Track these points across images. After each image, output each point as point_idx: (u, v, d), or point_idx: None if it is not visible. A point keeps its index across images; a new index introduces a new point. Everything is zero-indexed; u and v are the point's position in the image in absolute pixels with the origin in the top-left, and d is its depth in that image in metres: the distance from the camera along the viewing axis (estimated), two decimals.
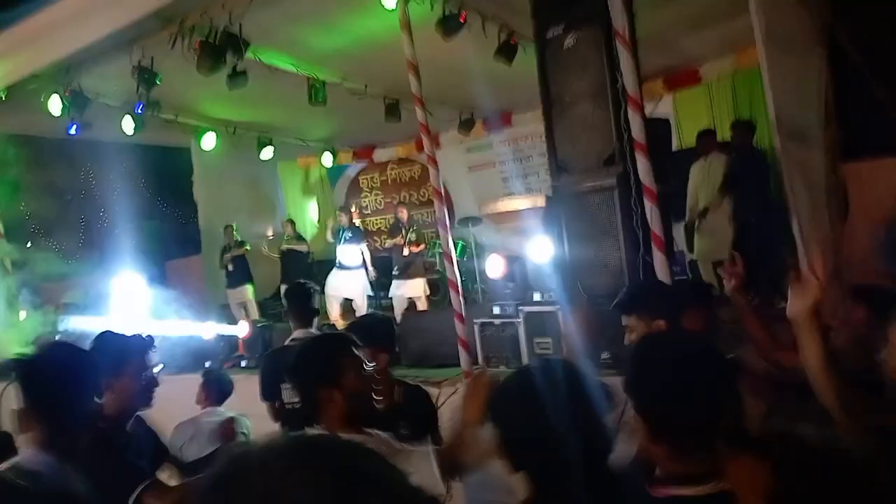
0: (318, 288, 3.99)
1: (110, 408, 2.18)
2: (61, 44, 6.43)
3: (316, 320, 3.75)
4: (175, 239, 10.70)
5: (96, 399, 1.92)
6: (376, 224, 11.61)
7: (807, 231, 5.02)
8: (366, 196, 11.95)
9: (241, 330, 6.86)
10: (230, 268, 9.42)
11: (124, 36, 6.24)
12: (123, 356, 2.33)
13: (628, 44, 3.95)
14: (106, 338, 2.43)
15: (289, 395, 2.73)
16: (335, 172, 11.97)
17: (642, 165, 3.95)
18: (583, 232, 4.58)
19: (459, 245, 9.14)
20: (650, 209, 3.95)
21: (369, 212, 11.72)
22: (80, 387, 1.86)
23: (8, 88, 7.11)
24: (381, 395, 2.16)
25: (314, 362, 1.99)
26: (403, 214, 8.88)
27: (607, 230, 4.40)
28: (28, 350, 2.02)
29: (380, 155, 11.62)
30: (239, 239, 9.55)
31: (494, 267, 5.64)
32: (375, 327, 2.78)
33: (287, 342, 3.65)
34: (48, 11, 6.46)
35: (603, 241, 4.42)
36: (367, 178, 11.96)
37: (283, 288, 9.45)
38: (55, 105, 7.07)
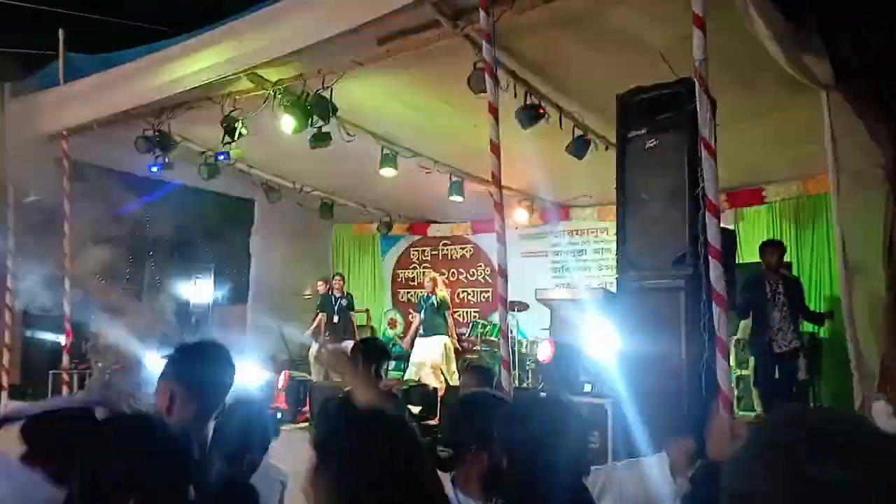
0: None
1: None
2: (160, 86, 6.79)
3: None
4: (225, 286, 10.89)
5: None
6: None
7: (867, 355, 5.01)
8: (414, 268, 12.06)
9: (280, 379, 6.90)
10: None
11: (219, 86, 6.58)
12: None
13: (712, 151, 4.03)
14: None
15: None
16: (388, 242, 12.16)
17: (714, 270, 3.96)
18: (644, 329, 4.56)
19: (495, 328, 9.19)
20: (718, 315, 3.94)
21: (415, 284, 11.81)
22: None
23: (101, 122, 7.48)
24: None
25: (476, 422, 2.04)
26: (436, 283, 9.28)
27: (670, 331, 4.37)
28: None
29: (434, 230, 11.81)
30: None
31: (545, 351, 5.61)
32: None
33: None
34: (154, 55, 6.89)
35: (664, 341, 4.39)
36: (417, 252, 12.11)
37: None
38: (142, 143, 7.39)
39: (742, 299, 6.46)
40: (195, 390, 1.96)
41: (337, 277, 10.29)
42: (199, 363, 2.03)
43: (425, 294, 9.58)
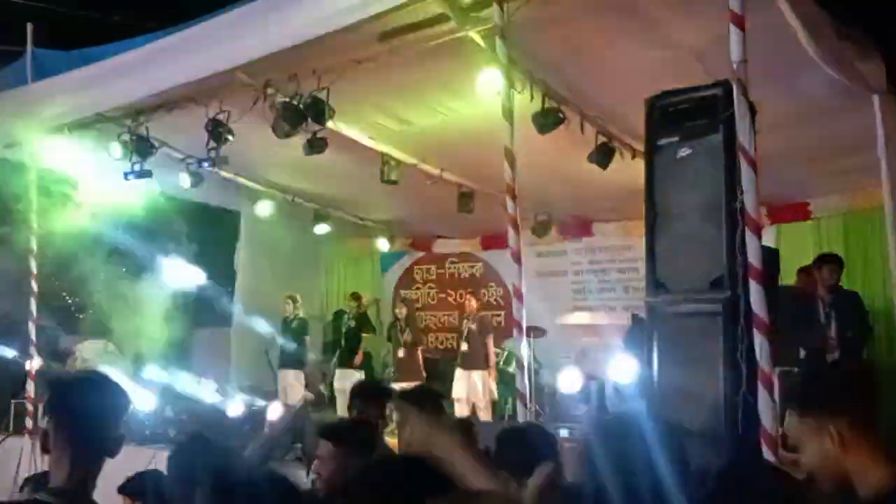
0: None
1: None
2: (137, 87, 6.84)
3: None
4: (206, 306, 10.90)
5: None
6: (425, 320, 11.66)
7: None
8: (418, 288, 12.08)
9: (273, 411, 6.87)
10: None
11: (202, 87, 6.64)
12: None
13: (753, 161, 4.05)
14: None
15: None
16: (389, 259, 12.19)
17: (756, 294, 3.96)
18: (677, 358, 4.54)
19: (510, 356, 9.20)
20: (760, 343, 3.94)
21: (420, 306, 11.78)
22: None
23: (72, 125, 7.54)
24: None
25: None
26: (472, 305, 9.21)
27: (706, 360, 4.36)
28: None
29: (440, 247, 11.84)
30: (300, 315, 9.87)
31: (570, 381, 5.59)
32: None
33: None
34: (129, 54, 6.95)
35: (700, 371, 4.38)
36: (422, 270, 12.13)
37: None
38: (116, 148, 7.44)
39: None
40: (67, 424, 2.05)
41: (350, 298, 10.42)
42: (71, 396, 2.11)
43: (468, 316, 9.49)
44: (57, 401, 2.10)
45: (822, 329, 6.52)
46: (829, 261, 6.73)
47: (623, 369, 4.96)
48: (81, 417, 2.05)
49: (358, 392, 4.41)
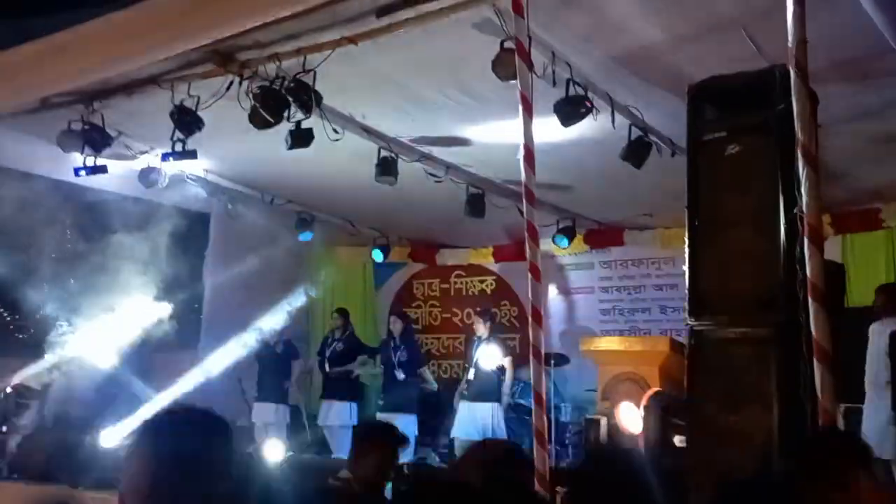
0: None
1: None
2: (90, 67, 6.88)
3: None
4: (170, 325, 10.92)
5: None
6: (428, 344, 11.68)
7: None
8: (419, 306, 12.10)
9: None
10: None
11: (167, 67, 6.68)
12: None
13: (815, 159, 4.06)
14: None
15: None
16: (384, 271, 12.21)
17: (817, 316, 3.96)
18: (722, 391, 4.56)
19: (524, 389, 9.21)
20: (821, 375, 3.93)
21: (419, 327, 11.79)
22: None
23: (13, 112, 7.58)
24: None
25: None
26: (482, 329, 9.16)
27: (757, 394, 4.37)
28: None
29: (444, 258, 11.86)
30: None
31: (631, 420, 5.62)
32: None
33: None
34: (80, 28, 6.98)
35: (750, 407, 4.39)
36: (422, 285, 12.15)
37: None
38: (67, 140, 7.49)
39: None
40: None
41: (335, 315, 10.42)
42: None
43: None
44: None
45: None
46: None
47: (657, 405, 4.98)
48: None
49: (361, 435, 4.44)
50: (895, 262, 8.14)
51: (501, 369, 9.07)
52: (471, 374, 9.20)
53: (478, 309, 10.19)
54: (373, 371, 10.41)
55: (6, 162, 8.44)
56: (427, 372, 10.27)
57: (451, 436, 9.16)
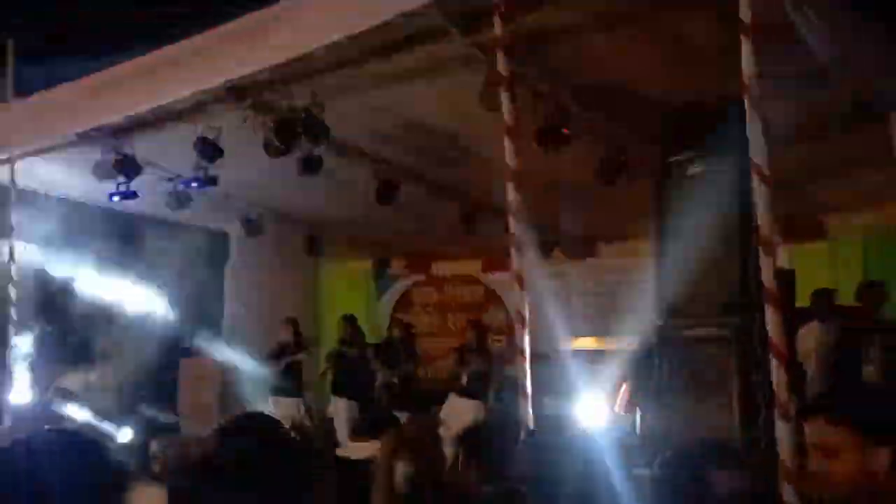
0: None
1: None
2: (122, 104, 6.86)
3: None
4: (194, 333, 10.88)
5: None
6: (426, 350, 11.60)
7: None
8: (417, 314, 12.06)
9: None
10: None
11: (191, 104, 6.66)
12: None
13: (767, 178, 4.05)
14: None
15: None
16: (385, 282, 12.19)
17: (772, 318, 3.95)
18: (687, 387, 4.55)
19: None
20: (777, 370, 3.91)
21: (417, 331, 11.71)
22: None
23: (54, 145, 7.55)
24: None
25: None
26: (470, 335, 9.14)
27: (718, 388, 4.37)
28: None
29: (439, 269, 11.84)
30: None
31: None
32: None
33: None
34: (114, 70, 6.97)
35: (711, 400, 4.39)
36: (421, 294, 12.13)
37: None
38: (102, 170, 7.47)
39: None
40: None
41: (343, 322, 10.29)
42: None
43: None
44: None
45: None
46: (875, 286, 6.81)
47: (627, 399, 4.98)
48: None
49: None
50: (837, 267, 8.13)
51: None
52: (464, 380, 9.12)
53: (469, 319, 10.22)
54: None
55: (48, 189, 8.43)
56: None
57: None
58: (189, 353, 11.55)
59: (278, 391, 9.73)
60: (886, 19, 4.80)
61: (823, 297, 6.98)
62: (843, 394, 2.25)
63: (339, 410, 9.65)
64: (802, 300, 7.46)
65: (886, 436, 1.94)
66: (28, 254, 8.25)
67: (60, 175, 8.04)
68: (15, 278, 7.54)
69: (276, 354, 9.92)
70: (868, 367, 6.43)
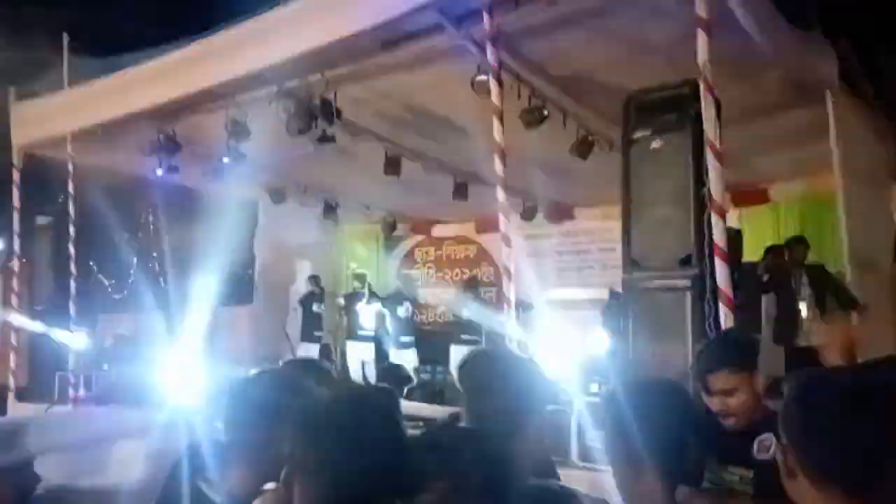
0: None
1: None
2: (166, 90, 6.82)
3: None
4: (228, 286, 10.93)
5: None
6: (425, 297, 11.65)
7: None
8: (419, 268, 12.10)
9: None
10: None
11: (223, 90, 6.61)
12: None
13: (718, 152, 4.06)
14: None
15: None
16: (393, 242, 12.20)
17: (720, 270, 3.99)
18: (649, 329, 4.59)
19: None
20: (725, 313, 3.96)
21: (419, 284, 11.78)
22: None
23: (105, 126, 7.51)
24: None
25: None
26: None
27: (676, 330, 4.40)
28: None
29: (438, 231, 11.84)
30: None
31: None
32: None
33: None
34: (157, 61, 6.91)
35: (670, 340, 4.42)
36: (422, 252, 12.15)
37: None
38: (149, 147, 7.45)
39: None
40: None
41: (355, 279, 10.29)
42: None
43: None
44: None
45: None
46: (801, 241, 6.85)
47: (599, 340, 5.03)
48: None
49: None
50: (779, 229, 8.15)
51: None
52: None
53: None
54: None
55: (103, 163, 8.40)
56: None
57: None
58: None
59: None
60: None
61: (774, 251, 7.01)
62: (739, 351, 2.48)
63: (354, 352, 9.74)
64: (750, 256, 7.53)
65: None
66: None
67: (113, 153, 8.00)
68: None
69: (306, 304, 10.00)
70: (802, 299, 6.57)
